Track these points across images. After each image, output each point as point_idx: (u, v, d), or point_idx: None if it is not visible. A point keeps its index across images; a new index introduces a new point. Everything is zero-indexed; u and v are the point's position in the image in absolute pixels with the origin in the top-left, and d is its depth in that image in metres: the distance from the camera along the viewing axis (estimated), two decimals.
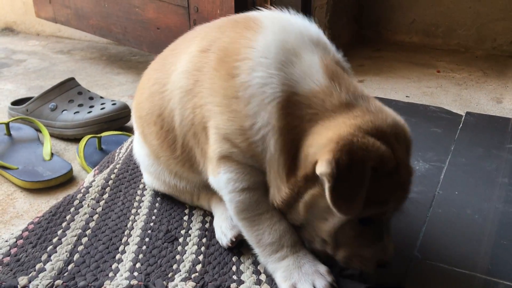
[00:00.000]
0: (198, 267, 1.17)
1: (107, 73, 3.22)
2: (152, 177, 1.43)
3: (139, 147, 1.44)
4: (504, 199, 1.53)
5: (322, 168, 0.94)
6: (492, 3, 3.06)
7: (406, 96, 2.43)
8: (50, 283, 1.08)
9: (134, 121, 1.44)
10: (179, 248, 1.23)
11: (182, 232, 1.29)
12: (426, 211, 1.47)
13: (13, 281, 1.08)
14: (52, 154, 2.03)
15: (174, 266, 1.17)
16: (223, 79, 1.08)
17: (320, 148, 0.98)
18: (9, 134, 2.19)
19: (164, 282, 1.10)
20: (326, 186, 0.94)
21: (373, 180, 0.95)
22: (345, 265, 1.10)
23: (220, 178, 1.12)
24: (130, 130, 2.35)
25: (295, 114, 1.03)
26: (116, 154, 1.78)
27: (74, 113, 2.30)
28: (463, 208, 1.49)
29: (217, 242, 1.26)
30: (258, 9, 1.83)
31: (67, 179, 1.92)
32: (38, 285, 1.07)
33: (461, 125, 2.04)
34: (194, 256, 1.21)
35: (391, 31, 3.40)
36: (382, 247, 1.07)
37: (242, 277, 1.14)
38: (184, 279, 1.12)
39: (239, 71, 1.07)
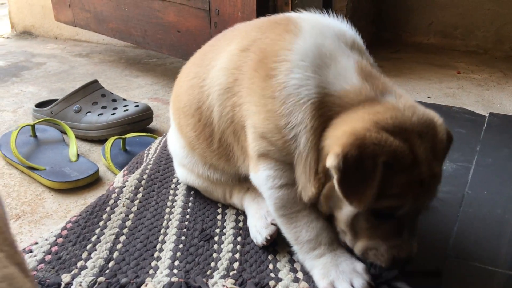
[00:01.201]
0: (236, 265, 1.18)
1: (126, 76, 3.25)
2: (186, 170, 1.46)
3: (175, 139, 1.48)
4: None
5: (330, 161, 0.98)
6: (511, 4, 3.08)
7: (428, 97, 2.45)
8: (93, 280, 1.10)
9: (171, 113, 1.49)
10: (215, 246, 1.25)
11: (217, 230, 1.31)
12: (457, 211, 1.48)
13: (57, 278, 1.10)
14: (78, 155, 2.06)
15: (212, 264, 1.19)
16: (262, 79, 1.11)
17: (334, 140, 1.02)
18: (34, 135, 2.23)
19: (203, 279, 1.12)
20: (334, 178, 0.98)
21: (387, 174, 0.97)
22: (362, 257, 1.12)
23: (260, 175, 1.14)
24: (153, 132, 2.38)
25: (326, 114, 1.07)
26: (145, 155, 1.81)
27: (98, 115, 2.33)
28: (493, 208, 1.50)
29: (252, 240, 1.27)
30: (280, 11, 1.85)
31: (94, 180, 1.95)
32: (81, 282, 1.09)
33: (485, 126, 2.04)
34: (230, 254, 1.22)
35: (409, 33, 3.43)
36: (400, 244, 1.08)
37: (280, 275, 1.15)
38: (223, 277, 1.14)
39: (277, 72, 1.10)
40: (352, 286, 1.09)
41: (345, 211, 1.08)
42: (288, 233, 1.17)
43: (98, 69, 3.43)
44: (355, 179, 0.97)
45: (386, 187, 0.99)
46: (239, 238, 1.29)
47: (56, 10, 3.67)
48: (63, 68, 3.45)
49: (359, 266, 1.12)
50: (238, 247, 1.25)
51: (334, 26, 1.20)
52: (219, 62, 1.24)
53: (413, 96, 2.43)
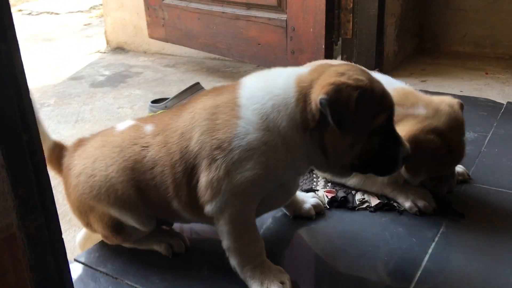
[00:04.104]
0: None
1: (210, 81, 3.92)
2: None
3: None
4: None
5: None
6: None
7: (460, 91, 3.10)
8: None
9: None
10: None
11: None
12: (475, 159, 2.16)
13: None
14: None
15: None
16: None
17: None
18: None
19: None
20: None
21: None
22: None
23: None
24: None
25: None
26: None
27: None
28: (500, 158, 2.18)
29: None
30: (343, 28, 2.51)
31: None
32: None
33: (502, 110, 2.71)
34: None
35: (447, 43, 4.05)
36: (450, 184, 1.80)
37: None
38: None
39: None
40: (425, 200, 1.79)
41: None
42: None
43: (186, 77, 4.11)
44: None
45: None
46: None
47: (151, 29, 4.40)
48: (158, 76, 4.18)
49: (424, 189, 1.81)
50: None
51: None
52: None
53: (449, 91, 3.09)
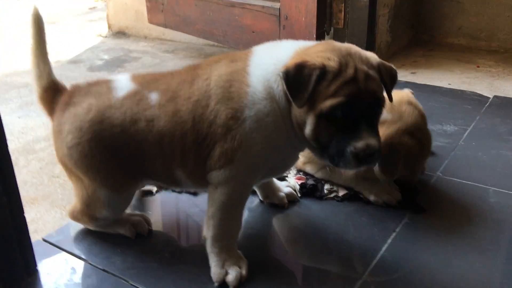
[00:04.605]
0: None
1: None
2: None
3: None
4: (506, 147, 2.23)
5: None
6: None
7: (448, 84, 3.10)
8: None
9: None
10: None
11: None
12: (450, 152, 2.17)
13: None
14: None
15: None
16: None
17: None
18: None
19: None
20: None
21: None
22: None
23: None
24: None
25: None
26: None
27: None
28: (476, 152, 2.20)
29: None
30: (335, 18, 2.53)
31: None
32: None
33: (487, 104, 2.71)
34: None
35: (442, 34, 4.04)
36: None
37: None
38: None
39: None
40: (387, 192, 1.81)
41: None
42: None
43: (183, 63, 4.08)
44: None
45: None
46: None
47: (150, 14, 4.44)
48: (156, 62, 4.20)
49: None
50: None
51: None
52: None
53: (437, 83, 3.10)
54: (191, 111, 1.47)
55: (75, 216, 1.67)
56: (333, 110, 1.35)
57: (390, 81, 1.48)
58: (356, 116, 1.37)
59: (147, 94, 1.53)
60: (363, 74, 1.37)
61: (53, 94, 1.62)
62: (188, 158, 1.49)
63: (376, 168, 1.74)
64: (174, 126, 1.48)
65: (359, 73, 1.37)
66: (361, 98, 1.36)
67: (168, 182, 1.62)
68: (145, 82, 1.58)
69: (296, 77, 1.35)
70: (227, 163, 1.45)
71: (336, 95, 1.35)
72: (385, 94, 1.47)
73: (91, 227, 1.70)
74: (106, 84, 1.60)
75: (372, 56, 1.46)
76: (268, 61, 1.44)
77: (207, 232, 1.52)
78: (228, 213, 1.50)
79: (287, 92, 1.37)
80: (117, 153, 1.53)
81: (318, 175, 1.95)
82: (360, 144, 1.36)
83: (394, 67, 1.51)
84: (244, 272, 1.49)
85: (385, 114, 1.75)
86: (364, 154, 1.36)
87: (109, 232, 1.70)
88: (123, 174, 1.55)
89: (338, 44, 1.45)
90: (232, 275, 1.47)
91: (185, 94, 1.49)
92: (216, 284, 1.47)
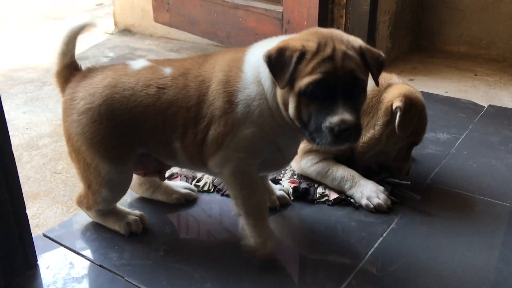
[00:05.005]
0: None
1: None
2: None
3: None
4: (496, 157, 2.28)
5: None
6: None
7: (445, 92, 3.15)
8: None
9: None
10: None
11: None
12: (441, 160, 2.23)
13: None
14: None
15: None
16: None
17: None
18: None
19: None
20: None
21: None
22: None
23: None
24: None
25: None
26: None
27: None
28: (466, 160, 2.25)
29: None
30: (336, 23, 2.57)
31: None
32: None
33: (482, 113, 2.77)
34: None
35: (442, 42, 4.09)
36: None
37: None
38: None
39: None
40: (379, 198, 1.88)
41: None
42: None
43: None
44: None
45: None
46: None
47: (156, 13, 4.50)
48: None
49: (380, 187, 1.91)
50: None
51: None
52: None
53: (433, 91, 3.15)
54: (197, 89, 1.59)
55: (80, 201, 1.76)
56: (309, 87, 1.41)
57: (377, 66, 1.53)
58: (333, 94, 1.43)
59: (162, 68, 1.66)
60: (341, 54, 1.43)
61: (70, 72, 1.71)
62: (187, 133, 1.60)
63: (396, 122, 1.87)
64: (182, 99, 1.59)
65: (336, 52, 1.43)
66: (338, 75, 1.42)
67: (164, 154, 1.71)
68: (160, 61, 1.72)
69: (278, 59, 1.44)
70: (218, 147, 1.57)
71: (313, 73, 1.42)
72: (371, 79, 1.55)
73: (91, 215, 1.79)
74: (123, 64, 1.74)
75: (355, 40, 1.52)
76: (262, 50, 1.51)
77: (239, 210, 1.66)
78: (243, 190, 1.61)
79: (270, 74, 1.47)
80: (123, 118, 1.61)
81: (311, 172, 2.02)
82: (335, 119, 1.40)
83: (381, 54, 1.56)
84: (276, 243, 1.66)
85: (395, 79, 2.00)
86: (339, 129, 1.39)
87: (106, 225, 1.77)
88: (123, 144, 1.64)
89: (321, 29, 1.55)
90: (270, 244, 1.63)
91: (194, 72, 1.62)
92: (260, 252, 1.61)
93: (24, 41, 4.83)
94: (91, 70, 1.72)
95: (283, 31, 3.37)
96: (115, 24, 5.21)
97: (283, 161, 1.73)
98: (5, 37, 5.02)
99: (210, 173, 1.81)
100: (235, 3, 3.67)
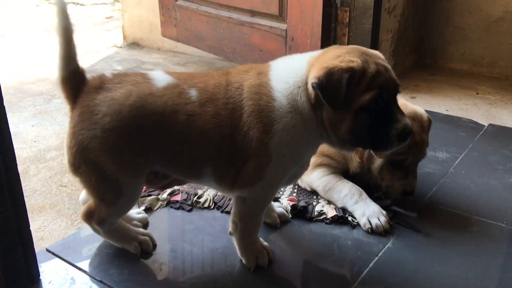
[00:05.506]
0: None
1: None
2: None
3: None
4: (494, 177, 2.31)
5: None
6: None
7: (446, 110, 3.19)
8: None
9: None
10: None
11: None
12: (439, 180, 2.26)
13: None
14: None
15: None
16: None
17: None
18: None
19: None
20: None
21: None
22: (385, 190, 1.99)
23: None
24: None
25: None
26: None
27: None
28: (464, 180, 2.28)
29: None
30: (339, 41, 2.62)
31: None
32: None
33: (482, 132, 2.80)
34: None
35: (445, 60, 4.13)
36: (407, 182, 1.96)
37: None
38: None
39: None
40: (379, 220, 1.92)
41: (376, 164, 1.95)
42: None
43: None
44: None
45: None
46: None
47: (164, 28, 4.55)
48: None
49: (383, 211, 1.95)
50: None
51: None
52: None
53: (435, 109, 3.18)
54: (228, 118, 1.56)
55: (90, 216, 1.67)
56: (372, 102, 1.50)
57: None
58: (388, 103, 1.54)
59: (187, 89, 1.59)
60: (383, 67, 1.53)
61: (76, 79, 1.60)
62: (221, 162, 1.60)
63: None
64: (214, 129, 1.56)
65: (379, 66, 1.52)
66: (388, 87, 1.53)
67: (188, 175, 1.71)
68: (182, 77, 1.64)
69: (328, 84, 1.47)
70: (260, 178, 1.59)
71: (370, 89, 1.49)
72: None
73: (101, 232, 1.73)
74: (141, 75, 1.64)
75: (378, 52, 1.62)
76: (287, 75, 1.57)
77: (234, 233, 1.72)
78: (253, 219, 1.69)
79: (323, 99, 1.49)
80: (150, 141, 1.58)
81: (317, 186, 2.08)
82: (400, 125, 1.53)
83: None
84: (270, 253, 1.75)
85: None
86: (407, 133, 1.54)
87: (116, 243, 1.78)
88: (146, 161, 1.62)
89: (345, 47, 1.60)
90: (262, 258, 1.72)
91: (221, 98, 1.58)
92: (251, 269, 1.70)
93: (35, 54, 4.91)
94: (103, 81, 1.60)
95: (287, 48, 3.41)
96: (124, 38, 5.28)
97: (299, 175, 1.79)
98: (16, 49, 5.10)
99: (229, 194, 1.85)
100: (241, 20, 3.72)
